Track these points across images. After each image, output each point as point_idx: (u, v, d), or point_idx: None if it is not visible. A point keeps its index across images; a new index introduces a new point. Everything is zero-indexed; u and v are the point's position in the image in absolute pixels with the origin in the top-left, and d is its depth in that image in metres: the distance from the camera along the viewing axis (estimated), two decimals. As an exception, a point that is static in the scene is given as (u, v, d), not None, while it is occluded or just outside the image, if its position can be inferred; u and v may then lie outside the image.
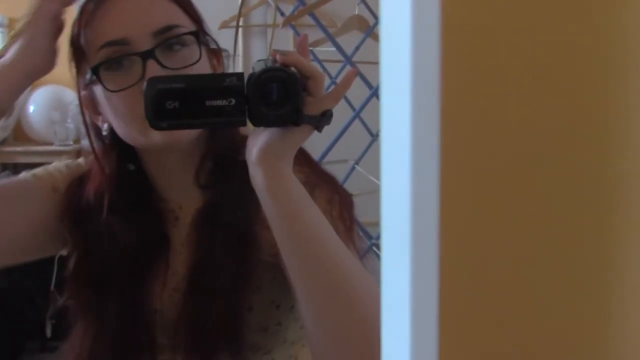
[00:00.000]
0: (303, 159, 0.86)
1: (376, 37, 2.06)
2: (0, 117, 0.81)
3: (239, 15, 1.94)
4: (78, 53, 0.82)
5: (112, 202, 0.85)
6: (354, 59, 1.88)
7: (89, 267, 0.87)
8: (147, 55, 0.76)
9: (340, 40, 1.84)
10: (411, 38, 0.31)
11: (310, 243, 0.67)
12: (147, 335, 0.85)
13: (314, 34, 2.15)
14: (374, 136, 2.20)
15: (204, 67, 0.81)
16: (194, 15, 0.84)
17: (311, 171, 0.84)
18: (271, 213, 0.67)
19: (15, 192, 0.88)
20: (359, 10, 2.14)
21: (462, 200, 0.33)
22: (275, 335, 0.88)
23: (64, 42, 0.83)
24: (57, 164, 0.94)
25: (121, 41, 0.77)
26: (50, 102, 2.83)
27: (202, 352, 0.82)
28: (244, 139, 0.70)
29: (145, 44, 0.77)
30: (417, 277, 0.32)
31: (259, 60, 0.67)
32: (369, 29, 2.00)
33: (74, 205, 0.87)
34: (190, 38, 0.80)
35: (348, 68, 1.81)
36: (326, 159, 1.70)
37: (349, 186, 0.92)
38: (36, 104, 2.88)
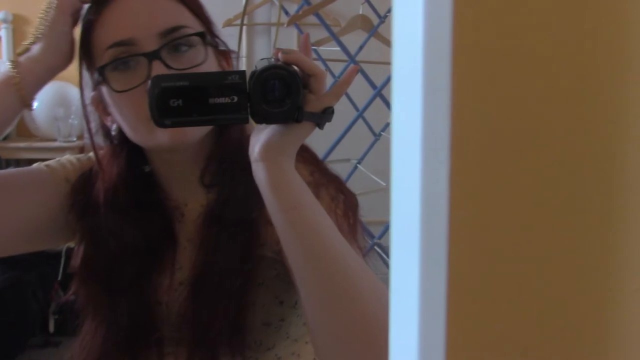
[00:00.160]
0: (309, 158, 0.87)
1: (380, 37, 2.06)
2: (23, 111, 0.82)
3: (244, 13, 1.94)
4: (86, 53, 0.82)
5: (119, 198, 0.86)
6: (358, 58, 1.89)
7: (96, 261, 0.88)
8: (152, 55, 0.76)
9: (344, 39, 1.85)
10: (423, 36, 0.31)
11: (311, 237, 0.67)
12: (154, 329, 0.86)
13: (318, 33, 2.15)
14: (377, 136, 2.20)
15: (210, 68, 0.81)
16: (202, 17, 0.84)
17: (317, 170, 0.85)
18: (273, 207, 0.67)
19: (29, 180, 0.89)
20: (363, 9, 2.15)
21: (471, 199, 0.34)
22: (278, 331, 0.89)
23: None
24: (69, 157, 0.95)
25: (127, 42, 0.77)
26: (54, 99, 2.84)
27: (206, 346, 0.82)
28: (249, 139, 0.70)
29: (152, 45, 0.77)
30: (425, 276, 0.33)
31: (261, 59, 0.68)
32: (373, 28, 2.01)
33: (83, 198, 0.88)
34: (197, 39, 0.80)
35: (352, 67, 1.81)
36: (329, 158, 1.70)
37: (352, 185, 0.93)
38: (40, 100, 2.89)
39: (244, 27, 2.05)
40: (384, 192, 2.00)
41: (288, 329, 0.90)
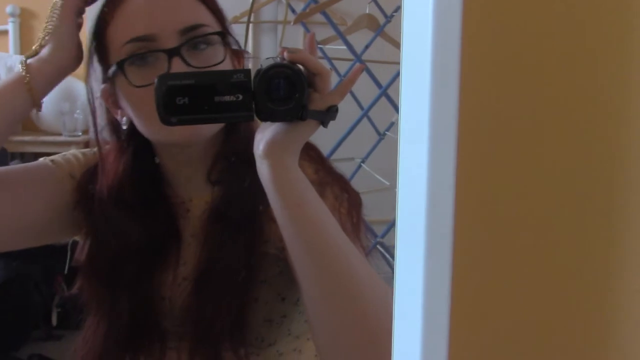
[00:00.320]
0: (315, 156, 0.87)
1: (386, 36, 2.06)
2: (34, 110, 0.83)
3: (250, 10, 1.95)
4: (100, 47, 0.83)
5: (124, 194, 0.87)
6: (364, 57, 1.89)
7: (101, 256, 0.88)
8: (173, 52, 0.77)
9: (350, 38, 1.85)
10: (432, 35, 0.32)
11: (314, 235, 0.68)
12: (157, 323, 0.87)
13: (325, 32, 2.15)
14: (382, 135, 2.20)
15: (226, 67, 0.81)
16: (219, 16, 0.85)
17: (322, 168, 0.85)
18: (276, 204, 0.68)
19: (34, 175, 0.89)
20: (369, 9, 2.15)
21: (476, 199, 0.34)
22: (279, 327, 0.89)
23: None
24: (75, 151, 0.95)
25: (148, 37, 0.78)
26: (59, 93, 2.84)
27: (208, 341, 0.83)
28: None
29: (172, 42, 0.77)
30: (430, 276, 0.33)
31: (267, 58, 0.68)
32: (379, 27, 2.01)
33: (88, 192, 0.88)
34: (216, 38, 0.81)
35: (357, 66, 1.81)
36: (333, 157, 1.70)
37: (355, 184, 0.93)
38: (46, 95, 2.89)
39: (250, 25, 2.05)
40: (388, 192, 2.00)
41: (290, 326, 0.90)
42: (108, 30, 0.81)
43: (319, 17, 1.93)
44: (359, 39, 1.99)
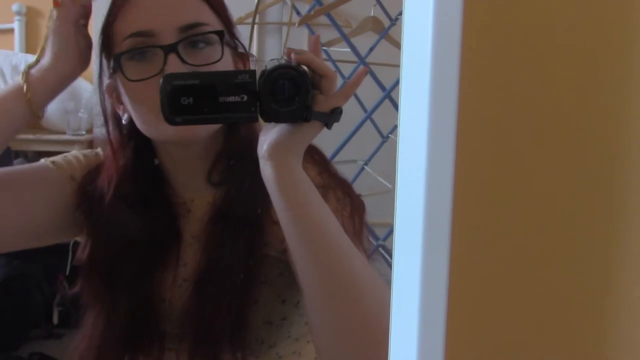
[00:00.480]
0: (319, 160, 0.87)
1: (390, 39, 2.07)
2: (37, 118, 0.83)
3: (255, 12, 1.95)
4: (106, 42, 0.83)
5: (125, 192, 0.87)
6: (368, 60, 1.89)
7: (102, 256, 0.88)
8: (169, 49, 0.77)
9: (354, 40, 1.85)
10: (432, 40, 0.32)
11: (316, 236, 0.68)
12: (156, 324, 0.87)
13: (329, 34, 2.16)
14: (385, 138, 2.20)
15: (225, 67, 0.81)
16: (223, 16, 0.85)
17: (325, 172, 0.85)
18: (279, 205, 0.68)
19: (36, 177, 0.89)
20: (374, 11, 2.15)
21: (474, 203, 0.34)
22: (279, 329, 0.89)
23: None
24: (76, 153, 0.95)
25: (147, 33, 0.78)
26: (64, 92, 2.83)
27: (208, 343, 0.83)
28: (258, 137, 0.71)
29: (170, 38, 0.78)
30: (427, 278, 0.33)
31: (271, 60, 0.68)
32: (384, 30, 2.01)
33: (89, 194, 0.89)
34: (215, 37, 0.81)
35: (361, 69, 1.81)
36: (336, 159, 1.70)
37: (358, 186, 0.93)
38: (50, 93, 2.89)
39: (255, 26, 2.05)
40: (390, 194, 2.00)
41: (290, 328, 0.90)
42: (113, 26, 0.82)
43: (323, 19, 1.94)
44: (363, 42, 1.99)
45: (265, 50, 3.00)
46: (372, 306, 0.68)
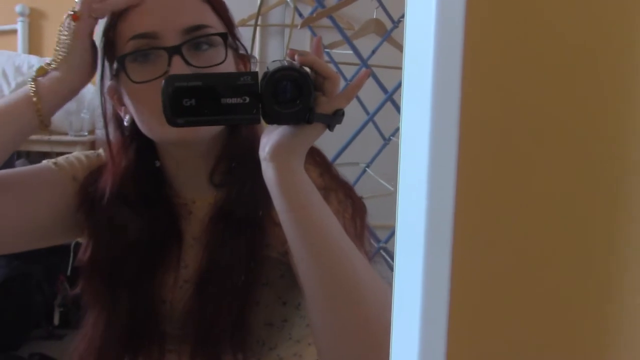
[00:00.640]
0: (320, 161, 0.87)
1: (393, 42, 2.07)
2: (45, 126, 0.83)
3: (258, 14, 1.95)
4: (109, 44, 0.83)
5: (127, 193, 0.87)
6: (370, 62, 1.89)
7: (103, 257, 0.88)
8: (173, 50, 0.77)
9: (356, 43, 1.85)
10: (434, 43, 0.32)
11: (318, 237, 0.68)
12: (156, 326, 0.87)
13: (331, 36, 2.16)
14: (387, 140, 2.20)
15: (228, 69, 0.82)
16: (225, 18, 0.85)
17: (327, 174, 0.85)
18: (281, 207, 0.68)
19: (38, 178, 0.89)
20: (376, 14, 2.15)
21: (476, 205, 0.34)
22: (280, 331, 0.89)
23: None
24: (78, 154, 0.95)
25: (150, 34, 0.78)
26: (67, 93, 2.83)
27: (209, 344, 0.83)
28: (260, 139, 0.71)
29: (174, 40, 0.78)
30: (429, 281, 0.33)
31: (273, 61, 0.68)
32: (386, 33, 2.01)
33: (91, 195, 0.89)
34: (218, 39, 0.81)
35: (363, 71, 1.81)
36: (338, 161, 1.71)
37: (359, 189, 0.93)
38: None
39: (258, 28, 2.05)
40: (391, 197, 2.00)
41: (291, 330, 0.90)
42: (117, 28, 0.82)
43: (326, 21, 1.94)
44: (365, 44, 1.99)
45: (268, 52, 3.00)
46: (374, 308, 0.68)
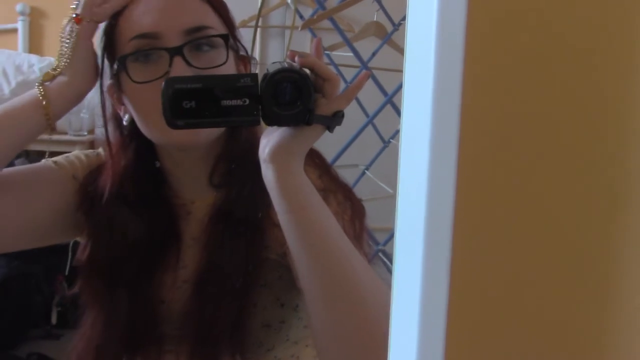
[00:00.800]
0: (321, 164, 0.87)
1: (393, 44, 2.07)
2: (52, 130, 0.84)
3: (259, 15, 1.95)
4: (110, 43, 0.83)
5: (126, 193, 0.87)
6: (370, 64, 1.89)
7: (102, 256, 0.88)
8: (175, 51, 0.77)
9: (357, 45, 1.85)
10: (435, 45, 0.32)
11: (317, 239, 0.68)
12: (154, 326, 0.87)
13: (332, 38, 2.16)
14: (386, 142, 2.20)
15: (229, 71, 0.82)
16: (226, 20, 0.85)
17: (326, 175, 0.85)
18: (280, 208, 0.68)
19: (38, 177, 0.89)
20: (377, 16, 2.15)
21: (476, 209, 0.34)
22: (278, 332, 0.89)
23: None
24: (77, 153, 0.95)
25: (152, 35, 0.78)
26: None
27: (207, 344, 0.83)
28: (260, 141, 0.71)
29: (175, 41, 0.78)
30: (427, 284, 0.33)
31: (273, 62, 0.68)
32: (387, 35, 2.01)
33: (90, 194, 0.89)
34: (220, 41, 0.81)
35: (364, 73, 1.81)
36: (337, 163, 1.70)
37: (359, 191, 0.93)
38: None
39: (258, 29, 2.05)
40: (390, 199, 1.99)
41: (288, 332, 0.90)
42: (117, 27, 0.82)
43: (326, 23, 1.94)
44: (365, 46, 1.99)
45: (268, 53, 3.00)
46: (373, 309, 0.68)
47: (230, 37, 0.83)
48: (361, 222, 0.85)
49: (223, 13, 0.85)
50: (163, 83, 0.65)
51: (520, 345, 0.35)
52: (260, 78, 0.66)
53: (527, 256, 0.35)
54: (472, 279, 0.34)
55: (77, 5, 0.82)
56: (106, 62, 0.86)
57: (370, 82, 1.77)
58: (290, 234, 0.69)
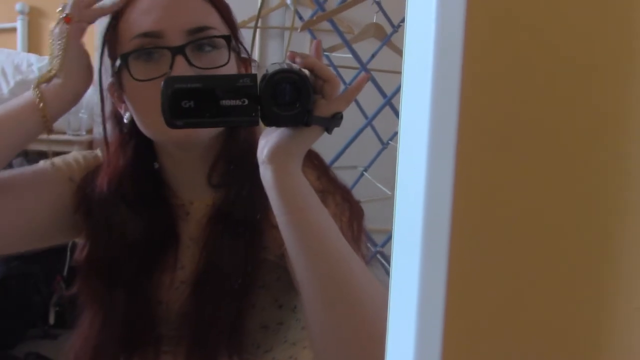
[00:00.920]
0: (319, 166, 0.87)
1: (392, 46, 2.07)
2: (49, 132, 0.84)
3: (258, 16, 1.95)
4: (111, 41, 0.83)
5: (124, 193, 0.87)
6: (369, 66, 1.89)
7: (100, 257, 0.88)
8: (177, 50, 0.77)
9: (356, 46, 1.85)
10: (434, 47, 0.32)
11: (315, 240, 0.68)
12: (152, 327, 0.87)
13: (331, 40, 2.16)
14: (385, 144, 2.20)
15: (231, 71, 0.82)
16: (229, 21, 0.85)
17: (324, 177, 0.86)
18: (278, 209, 0.68)
19: (35, 180, 0.89)
20: (377, 18, 2.15)
21: (474, 211, 0.34)
22: (276, 334, 0.89)
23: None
24: (75, 154, 0.95)
25: (155, 34, 0.78)
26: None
27: (204, 346, 0.83)
28: (258, 141, 0.71)
29: (178, 40, 0.78)
30: (425, 285, 0.33)
31: (273, 64, 0.68)
32: (386, 37, 2.01)
33: (88, 195, 0.89)
34: (222, 42, 0.81)
35: (363, 75, 1.81)
36: (336, 164, 1.71)
37: (357, 193, 0.93)
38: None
39: (258, 30, 2.06)
40: (389, 201, 1.99)
41: (286, 333, 0.90)
42: (119, 25, 0.82)
43: (326, 24, 1.94)
44: (365, 48, 1.99)
45: (267, 54, 3.00)
46: (371, 310, 0.68)
47: (232, 38, 0.83)
48: (359, 224, 0.85)
49: (225, 14, 0.85)
50: (162, 83, 0.65)
51: (518, 346, 0.35)
52: (259, 78, 0.66)
53: (525, 257, 0.35)
54: (470, 280, 0.34)
55: (64, 6, 0.82)
56: (107, 60, 0.86)
57: (369, 84, 1.77)
58: (288, 235, 0.69)
